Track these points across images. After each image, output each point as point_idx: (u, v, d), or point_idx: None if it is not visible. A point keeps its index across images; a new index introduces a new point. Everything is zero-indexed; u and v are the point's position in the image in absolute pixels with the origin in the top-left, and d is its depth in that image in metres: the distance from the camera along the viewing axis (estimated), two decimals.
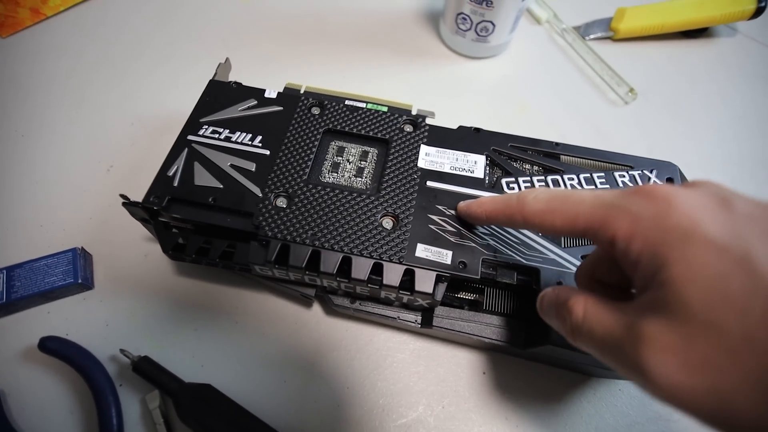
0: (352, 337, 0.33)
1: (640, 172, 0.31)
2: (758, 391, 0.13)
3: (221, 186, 0.30)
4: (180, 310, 0.34)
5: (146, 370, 0.30)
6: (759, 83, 0.49)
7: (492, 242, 0.28)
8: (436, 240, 0.28)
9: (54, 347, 0.30)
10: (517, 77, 0.49)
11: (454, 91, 0.47)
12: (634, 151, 0.33)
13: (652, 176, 0.31)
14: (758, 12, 0.48)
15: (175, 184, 0.30)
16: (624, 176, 0.31)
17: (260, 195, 0.30)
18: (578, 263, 0.28)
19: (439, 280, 0.27)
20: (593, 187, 0.31)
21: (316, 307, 0.34)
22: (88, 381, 0.30)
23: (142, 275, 0.35)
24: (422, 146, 0.32)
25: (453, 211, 0.29)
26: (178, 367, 0.31)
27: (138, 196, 0.29)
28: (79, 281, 0.33)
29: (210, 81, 0.35)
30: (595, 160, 0.33)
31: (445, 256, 0.28)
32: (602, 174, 0.31)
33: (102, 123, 0.43)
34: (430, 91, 0.47)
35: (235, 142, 0.32)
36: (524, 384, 0.32)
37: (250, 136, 0.32)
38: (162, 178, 0.30)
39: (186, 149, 0.32)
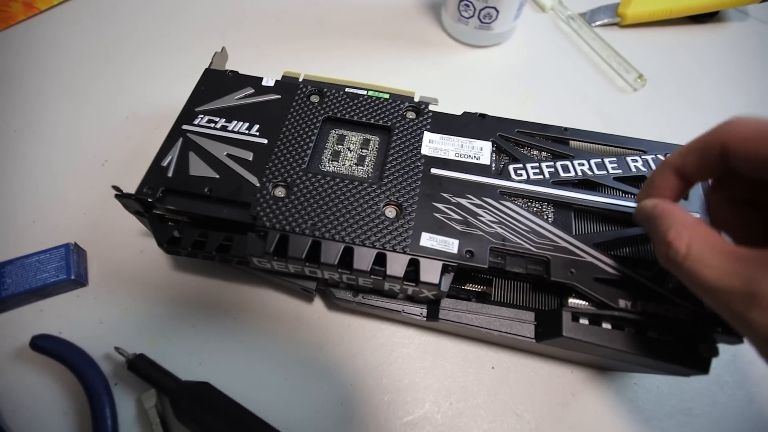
0: (355, 332, 0.32)
1: (653, 156, 0.30)
2: None
3: (217, 176, 0.29)
4: (177, 306, 0.33)
5: (141, 368, 0.29)
6: None
7: (500, 230, 0.27)
8: (441, 229, 0.27)
9: (46, 346, 0.29)
10: (522, 66, 0.47)
11: (456, 80, 0.46)
12: (644, 138, 0.31)
13: None
14: None
15: (170, 174, 0.29)
16: (637, 161, 0.30)
17: (258, 185, 0.28)
18: (591, 251, 0.26)
19: (445, 270, 0.26)
20: (605, 172, 0.29)
21: (318, 302, 0.33)
22: (81, 380, 0.29)
23: (138, 271, 0.34)
24: (426, 133, 0.31)
25: (459, 199, 0.28)
26: (176, 365, 0.30)
27: (133, 189, 0.28)
28: (72, 277, 0.32)
29: (205, 70, 0.34)
30: (607, 145, 0.31)
31: (451, 245, 0.26)
32: (614, 159, 0.30)
33: (96, 117, 0.42)
34: (433, 82, 0.46)
35: (232, 131, 0.31)
36: (535, 378, 0.31)
37: (247, 125, 0.31)
38: (156, 169, 0.29)
39: (181, 139, 0.30)
